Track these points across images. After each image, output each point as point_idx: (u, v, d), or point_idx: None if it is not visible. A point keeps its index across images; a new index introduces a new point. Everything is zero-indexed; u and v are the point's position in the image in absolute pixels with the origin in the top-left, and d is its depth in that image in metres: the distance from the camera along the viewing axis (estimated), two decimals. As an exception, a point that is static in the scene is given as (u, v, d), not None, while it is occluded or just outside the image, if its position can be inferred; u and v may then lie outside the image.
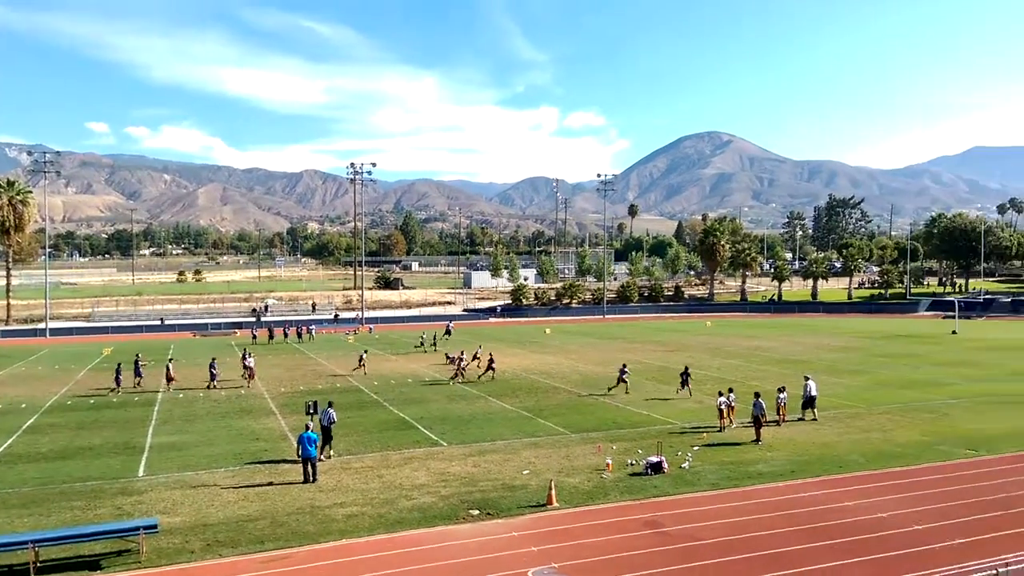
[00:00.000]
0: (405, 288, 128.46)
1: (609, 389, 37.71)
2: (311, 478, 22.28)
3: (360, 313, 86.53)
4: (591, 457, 24.67)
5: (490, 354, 44.47)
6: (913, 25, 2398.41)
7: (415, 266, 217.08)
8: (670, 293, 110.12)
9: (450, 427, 29.86)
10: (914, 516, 18.69)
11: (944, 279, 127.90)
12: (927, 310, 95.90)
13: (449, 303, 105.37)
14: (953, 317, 75.24)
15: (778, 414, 29.45)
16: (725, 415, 28.61)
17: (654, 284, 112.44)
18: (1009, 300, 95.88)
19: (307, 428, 22.90)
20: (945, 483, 21.53)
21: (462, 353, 44.15)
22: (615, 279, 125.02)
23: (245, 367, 42.47)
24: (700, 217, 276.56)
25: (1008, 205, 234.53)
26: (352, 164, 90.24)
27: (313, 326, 71.37)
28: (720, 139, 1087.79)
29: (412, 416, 32.12)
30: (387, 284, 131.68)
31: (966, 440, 26.66)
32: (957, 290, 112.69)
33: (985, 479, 21.87)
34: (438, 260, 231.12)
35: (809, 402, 30.39)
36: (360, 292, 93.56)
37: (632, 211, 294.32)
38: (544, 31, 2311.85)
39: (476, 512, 19.41)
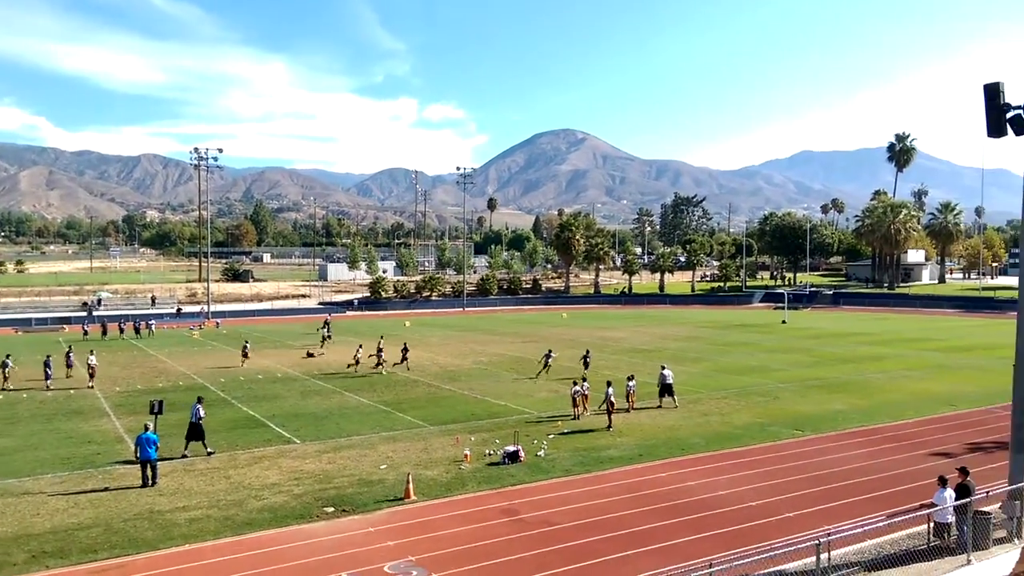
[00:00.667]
0: (256, 280, 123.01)
1: (537, 374, 39.63)
2: (150, 481, 20.85)
3: (206, 307, 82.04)
4: (450, 449, 24.70)
5: (404, 344, 44.25)
6: (747, 36, 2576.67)
7: (267, 258, 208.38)
8: (528, 286, 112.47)
9: (304, 424, 28.93)
10: (749, 493, 20.09)
11: (775, 273, 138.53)
12: (760, 301, 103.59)
13: (304, 296, 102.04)
14: (783, 308, 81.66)
15: (627, 401, 30.77)
16: (579, 403, 29.52)
17: (513, 277, 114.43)
18: (831, 292, 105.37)
19: (146, 428, 21.40)
20: (775, 461, 23.29)
21: (360, 346, 43.61)
22: (475, 272, 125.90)
23: (69, 366, 39.73)
24: (556, 212, 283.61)
25: (830, 205, 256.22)
26: (196, 149, 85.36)
27: (153, 321, 66.93)
28: (575, 136, 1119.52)
29: (263, 414, 30.84)
30: (236, 276, 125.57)
31: (793, 421, 29.00)
32: (786, 283, 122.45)
33: (809, 457, 23.87)
34: (292, 252, 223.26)
35: (666, 389, 31.85)
36: (206, 284, 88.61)
37: (491, 205, 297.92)
38: (401, 20, 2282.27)
39: (331, 509, 18.91)
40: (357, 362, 42.07)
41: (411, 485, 19.95)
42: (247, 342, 48.12)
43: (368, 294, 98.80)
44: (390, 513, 18.67)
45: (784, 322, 72.67)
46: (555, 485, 20.92)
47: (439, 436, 26.70)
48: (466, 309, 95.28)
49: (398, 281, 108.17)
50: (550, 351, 41.51)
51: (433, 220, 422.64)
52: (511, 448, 23.34)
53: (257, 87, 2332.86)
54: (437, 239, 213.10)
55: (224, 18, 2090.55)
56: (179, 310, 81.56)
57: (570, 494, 20.07)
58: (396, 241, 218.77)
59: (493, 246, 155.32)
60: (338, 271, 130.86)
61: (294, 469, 22.64)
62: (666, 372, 32.18)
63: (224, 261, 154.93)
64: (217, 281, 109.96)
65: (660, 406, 31.39)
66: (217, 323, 72.70)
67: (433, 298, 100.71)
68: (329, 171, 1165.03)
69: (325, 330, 55.78)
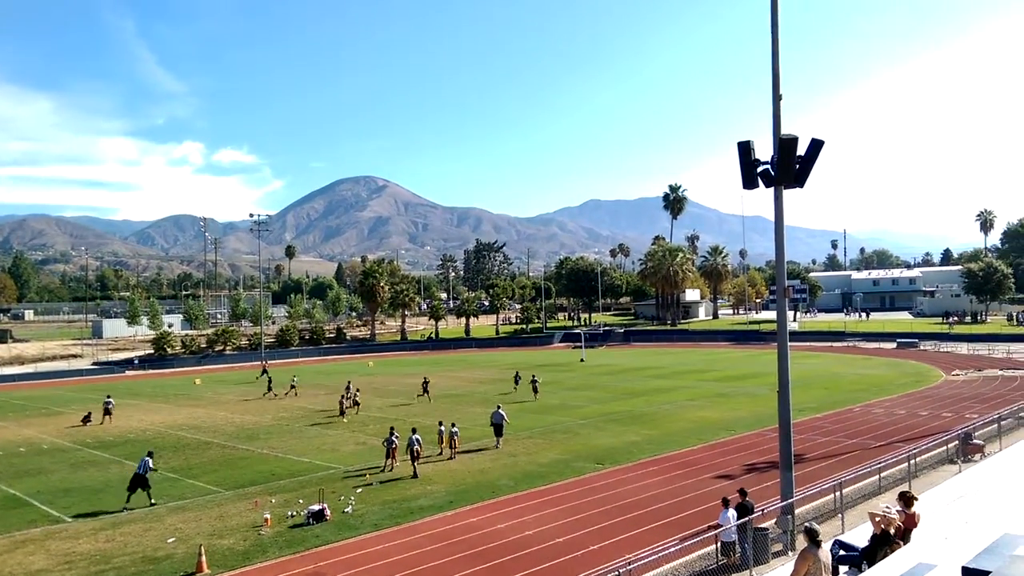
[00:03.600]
0: (16, 341, 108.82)
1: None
2: None
3: (-48, 373, 71.18)
4: (247, 514, 23.03)
5: (424, 378, 51.35)
6: (540, 94, 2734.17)
7: (30, 315, 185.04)
8: (332, 335, 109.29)
9: (77, 499, 25.71)
10: (556, 530, 20.55)
11: (572, 314, 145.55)
12: (560, 341, 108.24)
13: (75, 356, 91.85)
14: (581, 347, 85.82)
15: (439, 444, 30.78)
16: (391, 454, 28.85)
17: (315, 327, 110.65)
18: (623, 331, 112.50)
19: None
20: (580, 496, 24.09)
21: (347, 390, 46.57)
22: (274, 323, 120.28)
23: None
24: (360, 259, 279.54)
25: (618, 249, 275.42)
26: (-60, 193, 74.62)
27: None
28: (375, 183, 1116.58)
29: (25, 491, 27.04)
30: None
31: (595, 455, 30.27)
32: (583, 323, 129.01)
33: (610, 489, 24.95)
34: (60, 307, 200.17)
35: (498, 429, 32.36)
36: (-48, 347, 77.00)
37: (290, 252, 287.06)
38: (183, 61, 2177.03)
39: (109, 595, 16.83)
40: (343, 411, 43.05)
41: (203, 558, 18.29)
42: (109, 396, 45.88)
43: (152, 351, 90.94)
44: (180, 592, 16.95)
45: (583, 360, 76.25)
46: (364, 542, 20.13)
47: (235, 501, 24.83)
48: (265, 362, 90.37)
49: (187, 335, 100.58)
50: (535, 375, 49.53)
51: (226, 270, 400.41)
52: (316, 507, 22.22)
53: (16, 128, 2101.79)
54: (231, 289, 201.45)
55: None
56: (-85, 379, 70.06)
57: (380, 549, 19.40)
58: (184, 293, 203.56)
59: (293, 295, 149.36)
60: (115, 327, 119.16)
61: (65, 552, 19.96)
62: (501, 411, 32.70)
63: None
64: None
65: (497, 446, 31.96)
66: (-35, 392, 63.27)
67: (227, 352, 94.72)
68: (104, 219, 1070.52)
69: (267, 376, 59.42)
